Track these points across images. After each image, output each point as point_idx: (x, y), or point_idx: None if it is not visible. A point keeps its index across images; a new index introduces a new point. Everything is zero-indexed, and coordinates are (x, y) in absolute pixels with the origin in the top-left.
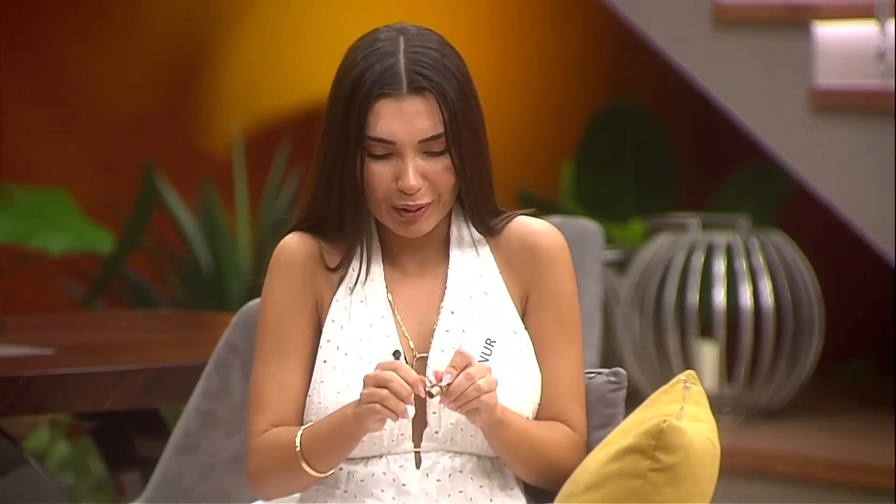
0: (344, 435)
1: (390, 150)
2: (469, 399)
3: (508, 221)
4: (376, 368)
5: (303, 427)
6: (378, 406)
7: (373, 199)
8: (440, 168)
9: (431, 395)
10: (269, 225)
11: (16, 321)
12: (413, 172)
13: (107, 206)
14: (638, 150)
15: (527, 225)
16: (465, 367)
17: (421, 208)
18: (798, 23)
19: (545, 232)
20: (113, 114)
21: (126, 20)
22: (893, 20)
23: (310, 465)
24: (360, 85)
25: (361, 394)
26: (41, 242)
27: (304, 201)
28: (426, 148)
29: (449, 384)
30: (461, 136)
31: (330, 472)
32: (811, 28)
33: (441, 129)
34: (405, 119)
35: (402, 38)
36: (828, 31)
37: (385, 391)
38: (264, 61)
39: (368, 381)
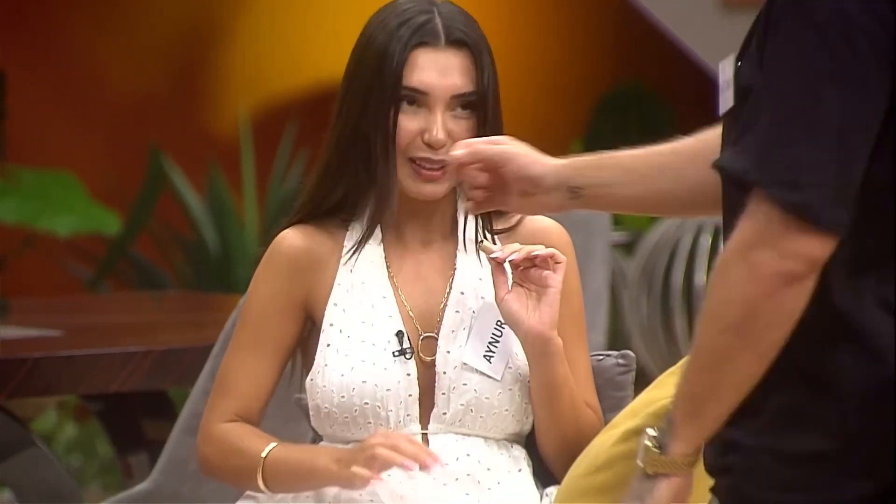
0: (315, 477)
1: (421, 103)
2: (530, 250)
3: (521, 219)
4: (373, 446)
5: (273, 444)
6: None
7: (397, 152)
8: (464, 129)
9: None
10: (276, 207)
11: (23, 303)
12: (441, 126)
13: (114, 188)
14: (645, 131)
15: (537, 222)
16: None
17: (443, 167)
18: None
19: (554, 230)
20: (120, 96)
21: (134, 4)
22: None
23: (266, 483)
24: (395, 37)
25: (357, 471)
26: (48, 224)
27: (314, 181)
28: (456, 105)
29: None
30: (489, 101)
31: (278, 497)
32: None
33: (473, 88)
34: (441, 71)
35: (432, 4)
36: None
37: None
38: (271, 44)
39: (369, 464)
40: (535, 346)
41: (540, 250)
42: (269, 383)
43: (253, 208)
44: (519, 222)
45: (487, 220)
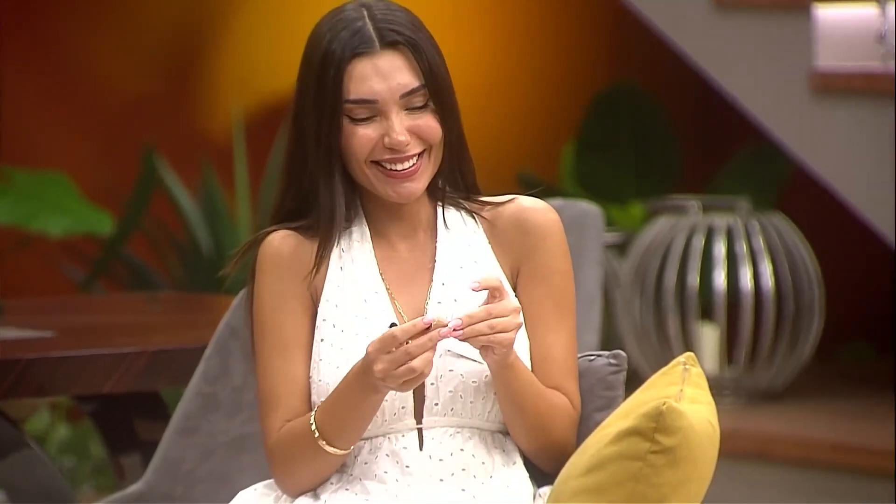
0: (358, 404)
1: (373, 111)
2: (478, 333)
3: (506, 202)
4: (372, 353)
5: (314, 410)
6: (410, 379)
7: (358, 163)
8: (425, 121)
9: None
10: (269, 208)
11: (16, 304)
12: (399, 127)
13: (107, 188)
14: (638, 132)
15: (519, 203)
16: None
17: (413, 164)
18: (798, 5)
19: (537, 208)
20: (113, 96)
21: (128, 5)
22: (893, 2)
23: (331, 444)
24: (331, 53)
25: (381, 383)
26: (42, 225)
27: (279, 192)
28: (408, 103)
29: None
30: (441, 88)
31: (352, 448)
32: (812, 10)
33: (420, 82)
34: (383, 76)
35: (364, 9)
36: (828, 14)
37: (406, 366)
38: (265, 44)
39: (384, 372)
40: (491, 370)
41: (481, 340)
42: (307, 381)
43: (246, 209)
44: (506, 203)
45: (472, 206)
